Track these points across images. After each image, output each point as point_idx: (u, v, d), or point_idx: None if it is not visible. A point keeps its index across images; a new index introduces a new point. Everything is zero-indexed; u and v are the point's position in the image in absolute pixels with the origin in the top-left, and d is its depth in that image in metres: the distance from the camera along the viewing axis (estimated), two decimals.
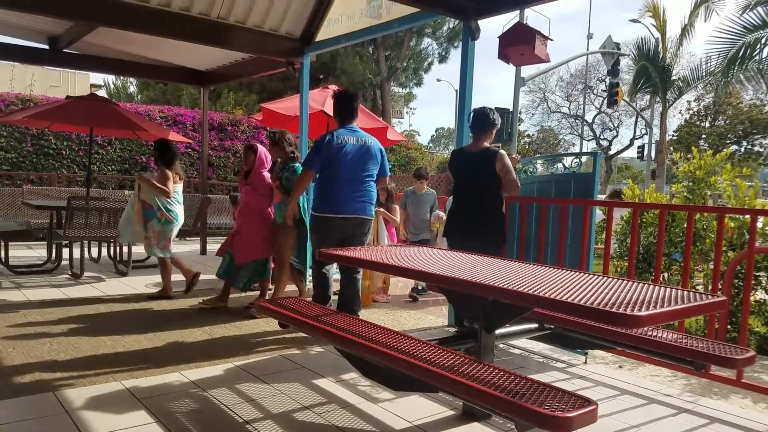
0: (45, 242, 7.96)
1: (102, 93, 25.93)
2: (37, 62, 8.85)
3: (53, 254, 7.54)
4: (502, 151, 4.39)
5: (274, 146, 5.53)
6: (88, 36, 7.08)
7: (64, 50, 7.87)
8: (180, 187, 6.11)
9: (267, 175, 5.68)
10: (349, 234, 4.71)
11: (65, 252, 7.52)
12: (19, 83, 21.54)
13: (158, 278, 6.31)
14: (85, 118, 7.64)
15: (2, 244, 7.20)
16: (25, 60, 8.51)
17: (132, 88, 28.73)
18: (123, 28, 6.27)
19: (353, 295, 4.86)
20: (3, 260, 7.16)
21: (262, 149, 5.71)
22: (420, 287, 6.89)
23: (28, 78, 22.58)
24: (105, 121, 8.01)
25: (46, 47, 7.85)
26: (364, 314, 5.63)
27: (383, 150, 4.90)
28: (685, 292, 2.51)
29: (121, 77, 27.30)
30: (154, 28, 6.28)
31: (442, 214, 6.71)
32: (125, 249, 7.47)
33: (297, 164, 5.42)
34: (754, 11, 12.67)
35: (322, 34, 7.11)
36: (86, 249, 7.72)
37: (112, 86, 29.54)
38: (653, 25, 20.26)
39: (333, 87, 9.57)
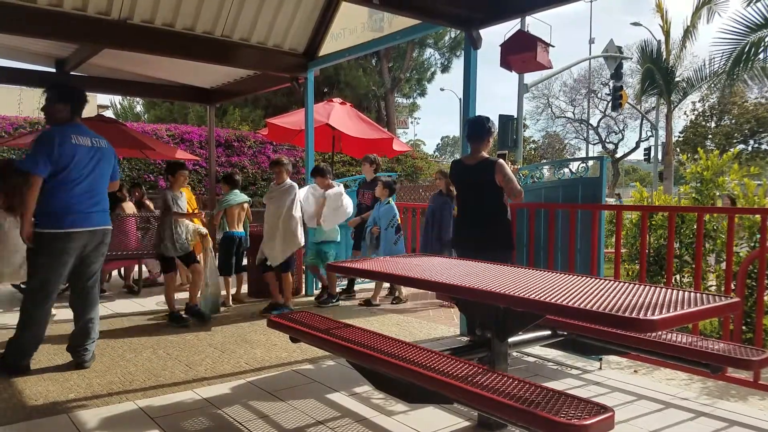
0: None
1: (109, 114, 26.07)
2: (44, 85, 8.90)
3: None
4: (500, 161, 4.38)
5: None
6: (94, 58, 7.17)
7: (71, 73, 7.95)
8: None
9: None
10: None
11: None
12: (27, 106, 21.68)
13: None
14: None
15: None
16: (33, 84, 8.55)
17: (139, 108, 28.93)
18: (128, 49, 6.34)
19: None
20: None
21: None
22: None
23: (35, 101, 22.77)
24: (112, 141, 8.03)
25: (53, 70, 7.94)
26: (373, 325, 5.61)
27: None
28: (698, 295, 2.49)
29: (128, 97, 27.52)
30: (159, 49, 6.35)
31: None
32: (136, 268, 7.50)
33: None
34: (756, 11, 12.64)
35: (326, 49, 7.16)
36: None
37: (119, 106, 29.72)
38: (659, 25, 20.30)
39: (337, 100, 9.65)
